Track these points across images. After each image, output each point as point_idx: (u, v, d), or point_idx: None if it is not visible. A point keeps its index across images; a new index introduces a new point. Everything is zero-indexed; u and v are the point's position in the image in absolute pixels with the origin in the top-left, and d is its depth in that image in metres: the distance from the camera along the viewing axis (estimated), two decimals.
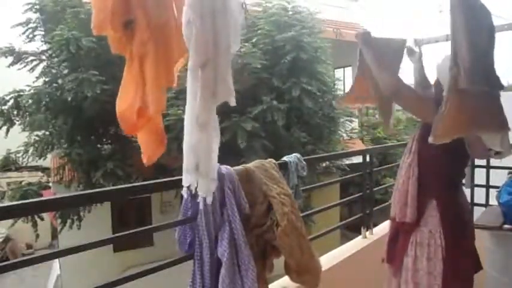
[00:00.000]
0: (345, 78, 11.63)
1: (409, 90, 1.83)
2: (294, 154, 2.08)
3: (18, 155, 8.35)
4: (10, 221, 7.86)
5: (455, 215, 1.76)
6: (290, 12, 7.77)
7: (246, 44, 6.75)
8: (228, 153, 5.93)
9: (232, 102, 1.35)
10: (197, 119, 1.27)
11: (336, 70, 10.57)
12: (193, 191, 1.38)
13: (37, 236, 8.12)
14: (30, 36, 6.99)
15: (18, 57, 7.01)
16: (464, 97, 2.01)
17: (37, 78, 6.97)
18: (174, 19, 1.18)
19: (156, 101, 1.17)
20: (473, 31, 1.97)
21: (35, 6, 6.98)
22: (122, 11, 1.12)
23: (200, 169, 1.31)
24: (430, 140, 1.52)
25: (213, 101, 1.30)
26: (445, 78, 1.77)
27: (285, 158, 2.03)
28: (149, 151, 1.35)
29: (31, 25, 6.98)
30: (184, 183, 1.37)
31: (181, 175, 1.38)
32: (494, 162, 3.07)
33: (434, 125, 1.60)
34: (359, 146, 9.74)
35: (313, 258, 1.81)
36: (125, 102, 1.22)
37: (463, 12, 1.93)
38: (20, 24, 6.89)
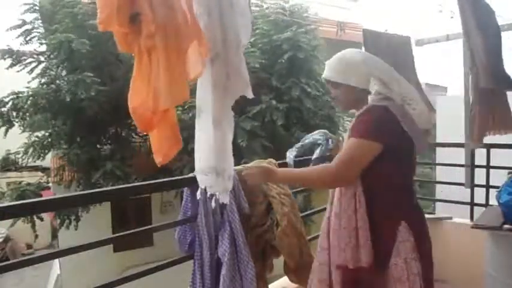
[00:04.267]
0: None
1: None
2: (318, 130, 2.01)
3: (18, 155, 8.34)
4: (10, 221, 7.86)
5: (423, 231, 1.48)
6: (288, 12, 7.77)
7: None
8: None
9: (249, 95, 1.33)
10: (212, 114, 1.26)
11: None
12: (210, 192, 1.37)
13: (36, 236, 8.13)
14: (27, 38, 6.96)
15: (17, 58, 6.99)
16: (487, 96, 2.00)
17: (33, 78, 6.95)
18: (182, 10, 1.17)
19: (167, 94, 1.14)
20: (485, 30, 1.96)
21: (34, 7, 6.96)
22: (127, 5, 1.11)
23: (217, 168, 1.30)
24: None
25: (227, 96, 1.29)
26: (337, 76, 1.49)
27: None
28: (165, 149, 1.28)
29: (27, 27, 6.94)
30: (201, 185, 1.36)
31: (181, 175, 1.37)
32: (494, 162, 3.07)
33: (470, 129, 1.55)
34: None
35: (311, 258, 1.81)
36: (137, 99, 1.18)
37: (473, 13, 1.93)
38: (16, 26, 6.85)
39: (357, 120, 1.41)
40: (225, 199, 1.39)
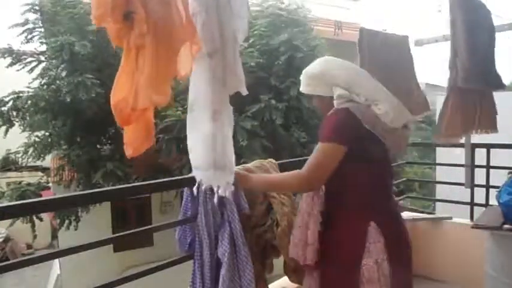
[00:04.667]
0: None
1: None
2: None
3: (18, 155, 8.35)
4: (9, 221, 7.86)
5: (397, 232, 1.48)
6: (285, 12, 7.78)
7: (243, 43, 6.77)
8: None
9: (244, 92, 1.35)
10: (211, 108, 1.26)
11: None
12: (211, 185, 1.36)
13: (35, 236, 8.15)
14: (28, 37, 6.96)
15: (17, 58, 6.98)
16: (465, 96, 2.00)
17: (33, 79, 6.95)
18: (177, 11, 1.18)
19: (148, 93, 1.17)
20: (473, 30, 1.96)
21: (34, 7, 6.96)
22: (122, 4, 1.13)
23: (217, 162, 1.30)
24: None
25: (225, 90, 1.30)
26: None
27: None
28: (136, 143, 1.35)
29: (29, 26, 6.94)
30: (198, 179, 1.36)
31: (182, 175, 1.37)
32: (494, 162, 3.07)
33: (438, 124, 1.56)
34: None
35: None
36: (119, 94, 1.21)
37: (462, 12, 1.93)
38: (18, 25, 6.85)
39: (322, 125, 1.47)
40: (227, 193, 1.39)
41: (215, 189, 1.39)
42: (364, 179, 1.44)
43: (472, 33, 1.94)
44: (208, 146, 1.31)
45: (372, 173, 1.46)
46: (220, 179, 1.34)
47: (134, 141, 1.35)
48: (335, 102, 1.46)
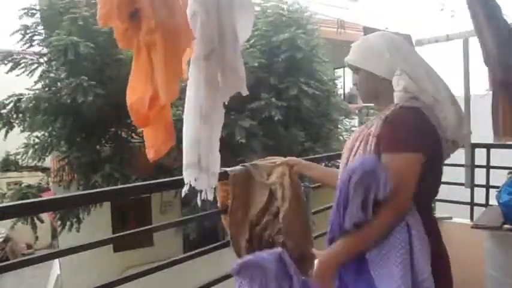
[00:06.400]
0: (344, 78, 11.65)
1: None
2: None
3: (17, 156, 8.35)
4: (10, 223, 7.87)
5: (437, 250, 1.30)
6: (287, 12, 7.77)
7: (245, 43, 6.76)
8: (227, 151, 5.92)
9: (244, 92, 1.34)
10: (201, 110, 1.25)
11: (336, 70, 10.59)
12: (196, 187, 1.35)
13: (36, 238, 8.16)
14: (28, 43, 6.95)
15: (17, 62, 6.97)
16: (506, 88, 1.98)
17: (35, 83, 6.95)
18: (180, 9, 1.19)
19: (167, 89, 1.16)
20: (495, 24, 1.94)
21: (31, 11, 6.96)
22: (127, 2, 1.13)
23: (201, 163, 1.29)
24: (496, 140, 1.33)
25: (220, 93, 1.29)
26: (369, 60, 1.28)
27: None
28: (158, 144, 1.33)
29: (28, 31, 6.93)
30: (186, 180, 1.35)
31: (181, 175, 1.37)
32: (494, 162, 3.07)
33: (494, 122, 1.47)
34: None
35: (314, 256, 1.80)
36: (135, 94, 1.21)
37: (482, 7, 1.91)
38: (17, 31, 6.85)
39: (386, 126, 1.15)
40: (209, 196, 1.37)
41: (198, 191, 1.37)
42: (422, 194, 1.15)
43: (495, 27, 1.91)
44: (194, 148, 1.29)
45: (430, 186, 1.22)
46: (204, 182, 1.32)
47: (156, 142, 1.33)
48: (398, 95, 1.17)
